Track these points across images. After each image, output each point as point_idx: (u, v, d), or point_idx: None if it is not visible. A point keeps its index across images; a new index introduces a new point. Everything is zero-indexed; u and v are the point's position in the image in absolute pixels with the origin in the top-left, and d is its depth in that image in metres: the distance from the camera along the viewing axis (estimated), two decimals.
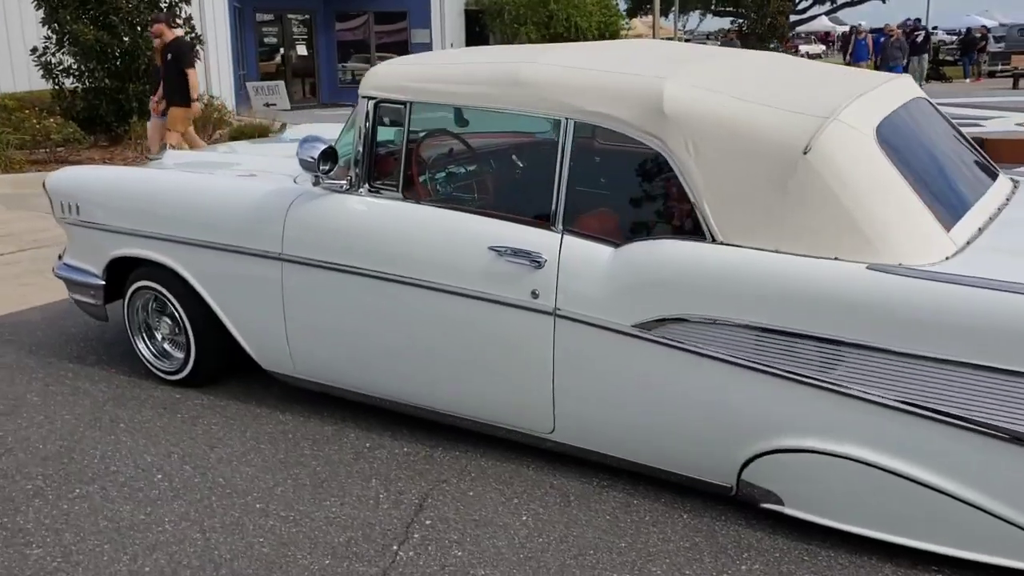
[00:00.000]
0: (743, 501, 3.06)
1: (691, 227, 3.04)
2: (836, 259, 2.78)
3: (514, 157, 3.97)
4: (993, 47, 31.28)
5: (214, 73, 17.71)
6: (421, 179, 3.66)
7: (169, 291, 4.20)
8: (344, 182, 3.66)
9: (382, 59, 26.39)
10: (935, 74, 26.50)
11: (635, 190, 3.34)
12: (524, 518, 3.14)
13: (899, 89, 3.51)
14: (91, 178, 4.57)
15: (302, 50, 25.85)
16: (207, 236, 3.97)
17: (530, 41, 23.64)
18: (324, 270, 3.66)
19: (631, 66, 3.35)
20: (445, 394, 3.55)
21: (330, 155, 3.59)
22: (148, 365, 4.43)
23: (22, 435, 3.88)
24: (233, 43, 20.38)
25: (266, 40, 25.00)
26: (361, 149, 3.63)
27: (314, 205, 3.70)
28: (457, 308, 3.38)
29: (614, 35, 27.02)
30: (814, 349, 2.76)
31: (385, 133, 3.67)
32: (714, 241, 2.96)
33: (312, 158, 3.56)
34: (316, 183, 3.69)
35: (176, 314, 4.23)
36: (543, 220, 3.27)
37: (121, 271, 4.41)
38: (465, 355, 3.43)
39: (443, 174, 3.81)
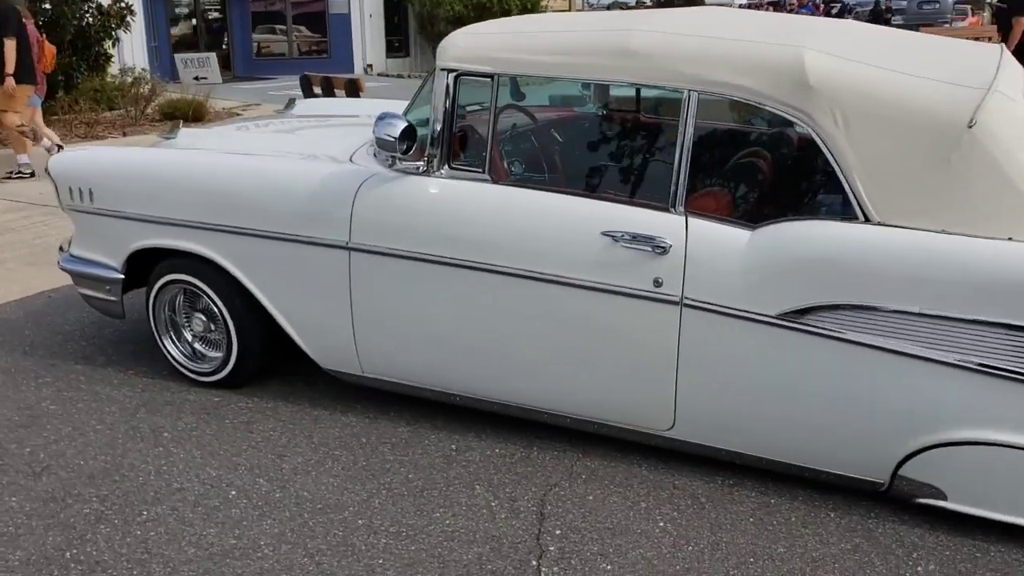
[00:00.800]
0: (894, 497, 2.91)
1: (838, 207, 2.84)
2: (1010, 239, 2.63)
3: (618, 133, 3.70)
4: (895, 20, 32.30)
5: (127, 45, 16.76)
6: (511, 159, 3.38)
7: (208, 285, 3.80)
8: (421, 163, 3.34)
9: (299, 32, 25.53)
10: None
11: (768, 167, 3.12)
12: (662, 524, 2.92)
13: (1006, 56, 3.38)
14: (109, 160, 4.09)
15: (214, 21, 24.77)
16: (258, 224, 3.58)
17: (453, 13, 23.11)
18: (403, 260, 3.33)
19: (748, 33, 3.13)
20: (548, 390, 3.29)
21: (410, 133, 3.26)
22: (178, 367, 4.02)
23: (54, 450, 3.45)
24: (145, 13, 19.33)
25: (178, 10, 23.86)
26: (440, 127, 3.31)
27: (389, 189, 3.37)
28: (565, 299, 3.11)
29: (535, 8, 26.67)
30: (991, 335, 2.61)
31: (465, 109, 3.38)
32: (867, 221, 2.78)
33: (391, 137, 3.23)
34: (391, 164, 3.36)
35: (214, 310, 3.84)
36: (661, 201, 3.03)
37: (142, 264, 4.00)
38: (574, 349, 3.17)
39: (536, 153, 3.51)
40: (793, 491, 3.08)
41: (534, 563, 2.73)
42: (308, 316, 3.65)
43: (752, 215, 2.97)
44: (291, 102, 5.18)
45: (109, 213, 3.94)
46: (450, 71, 3.30)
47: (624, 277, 3.01)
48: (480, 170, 3.30)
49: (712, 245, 2.92)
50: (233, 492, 3.16)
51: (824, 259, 2.78)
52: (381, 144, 3.27)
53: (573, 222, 3.11)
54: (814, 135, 2.83)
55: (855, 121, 2.77)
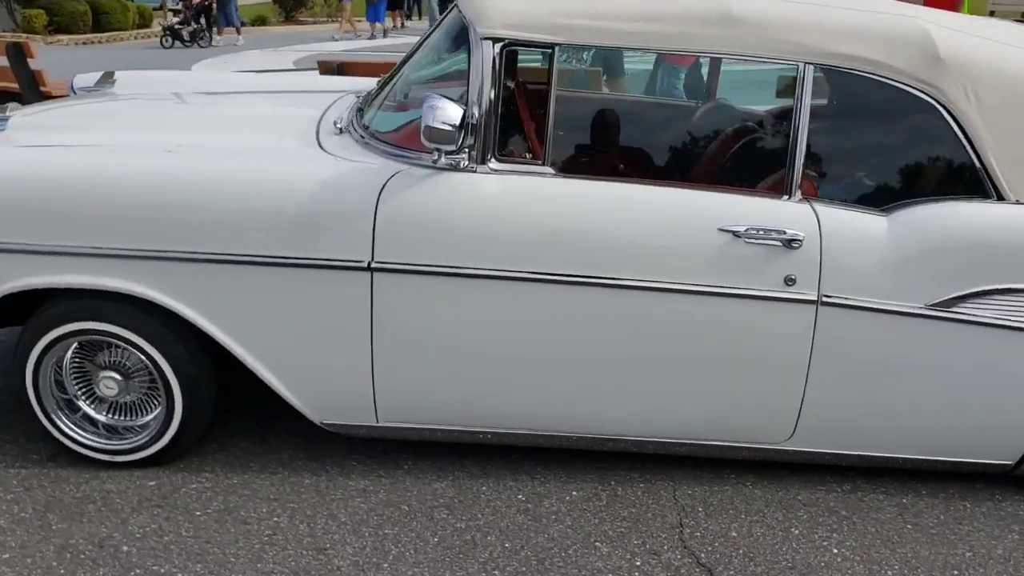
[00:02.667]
0: (1019, 475, 2.88)
1: (967, 187, 2.70)
2: None
3: (705, 112, 3.20)
4: None
5: None
6: (575, 145, 2.80)
7: (136, 332, 2.75)
8: (463, 156, 2.66)
9: None
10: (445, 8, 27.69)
11: (893, 146, 2.87)
12: (833, 550, 2.60)
13: None
14: None
15: None
16: (224, 246, 2.64)
17: None
18: (449, 278, 2.65)
19: (858, 3, 2.84)
20: (641, 415, 2.80)
21: (464, 121, 2.58)
22: (82, 451, 2.91)
23: None
24: None
25: None
26: (483, 110, 2.66)
27: (426, 190, 2.63)
28: (670, 310, 2.66)
29: None
30: None
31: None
32: (1001, 200, 2.66)
33: (451, 126, 2.52)
34: (436, 159, 2.64)
35: (139, 364, 2.82)
36: (775, 189, 2.69)
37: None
38: (678, 367, 2.72)
39: (607, 138, 2.94)
40: (907, 486, 2.94)
41: None
42: (303, 360, 2.78)
43: (875, 199, 2.73)
44: (109, 76, 3.96)
45: None
46: (496, 40, 2.65)
47: (750, 278, 2.63)
48: (538, 161, 2.71)
49: (848, 235, 2.64)
50: None
51: (975, 243, 2.63)
52: (437, 137, 2.53)
53: (679, 218, 2.66)
54: (944, 111, 2.64)
55: (987, 96, 2.63)
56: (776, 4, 2.71)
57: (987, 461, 2.87)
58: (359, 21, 20.54)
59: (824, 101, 2.80)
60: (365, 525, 2.68)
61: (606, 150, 3.06)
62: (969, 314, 2.64)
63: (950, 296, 2.62)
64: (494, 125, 2.67)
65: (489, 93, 2.65)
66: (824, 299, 2.64)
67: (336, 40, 18.87)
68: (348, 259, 2.65)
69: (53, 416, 2.89)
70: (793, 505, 2.83)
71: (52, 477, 2.87)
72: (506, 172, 2.68)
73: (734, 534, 2.68)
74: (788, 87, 2.81)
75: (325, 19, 24.24)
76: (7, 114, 3.16)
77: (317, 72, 5.72)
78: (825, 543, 2.65)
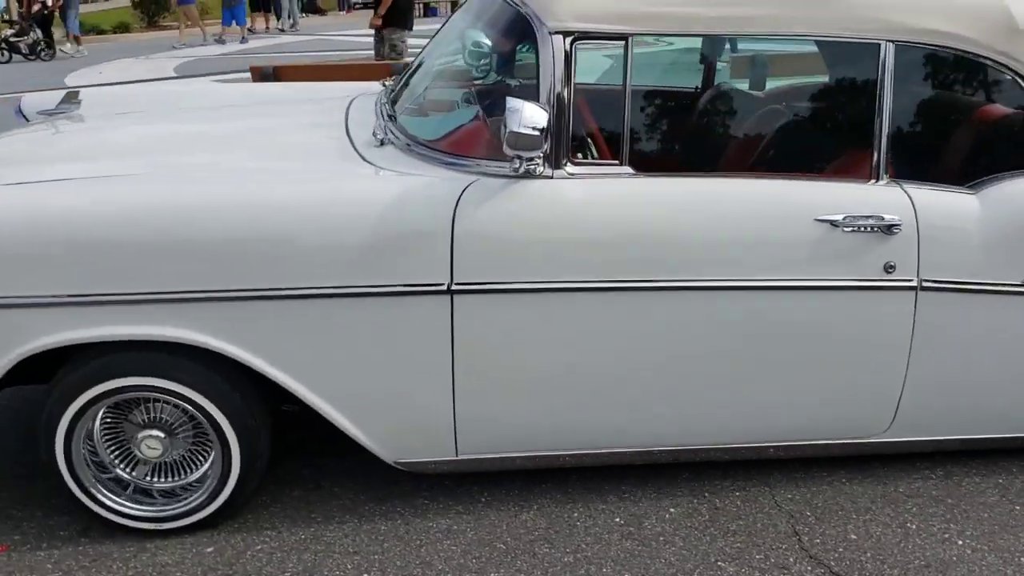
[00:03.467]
0: None
1: None
2: None
3: (778, 98, 3.03)
4: None
5: None
6: (657, 142, 2.62)
7: (187, 384, 2.44)
8: (538, 162, 2.45)
9: None
10: (311, 7, 27.11)
11: (973, 122, 2.79)
12: (972, 544, 2.52)
13: None
14: None
15: None
16: (286, 281, 2.36)
17: None
18: (536, 294, 2.44)
19: None
20: (735, 419, 2.66)
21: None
22: (127, 521, 2.57)
23: None
24: None
25: None
26: (556, 110, 2.45)
27: (507, 201, 2.41)
28: (769, 308, 2.52)
29: None
30: None
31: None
32: None
33: (539, 130, 2.30)
34: (518, 168, 2.41)
35: (188, 419, 2.51)
36: (862, 173, 2.59)
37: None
38: (779, 364, 2.59)
39: (686, 131, 2.75)
40: (998, 465, 2.90)
41: None
42: (377, 398, 2.52)
43: (960, 177, 2.66)
44: (73, 96, 3.54)
45: None
46: (568, 34, 2.45)
47: (850, 268, 2.52)
48: (616, 161, 2.53)
49: (943, 216, 2.56)
50: None
51: None
52: (522, 143, 2.30)
53: (774, 212, 2.52)
54: (1022, 82, 2.60)
55: None
56: None
57: None
58: (211, 24, 19.35)
59: (908, 77, 2.70)
60: (466, 571, 2.45)
61: (678, 144, 2.91)
62: None
63: None
64: (568, 126, 2.47)
65: (563, 91, 2.45)
66: (924, 283, 2.55)
67: (176, 48, 17.28)
68: (425, 283, 2.41)
69: (92, 489, 2.55)
70: (898, 499, 2.74)
71: (92, 555, 2.53)
72: (584, 176, 2.49)
73: (854, 536, 2.57)
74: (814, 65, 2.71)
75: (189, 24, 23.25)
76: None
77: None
78: (946, 535, 2.57)
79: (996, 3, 2.59)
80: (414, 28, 8.43)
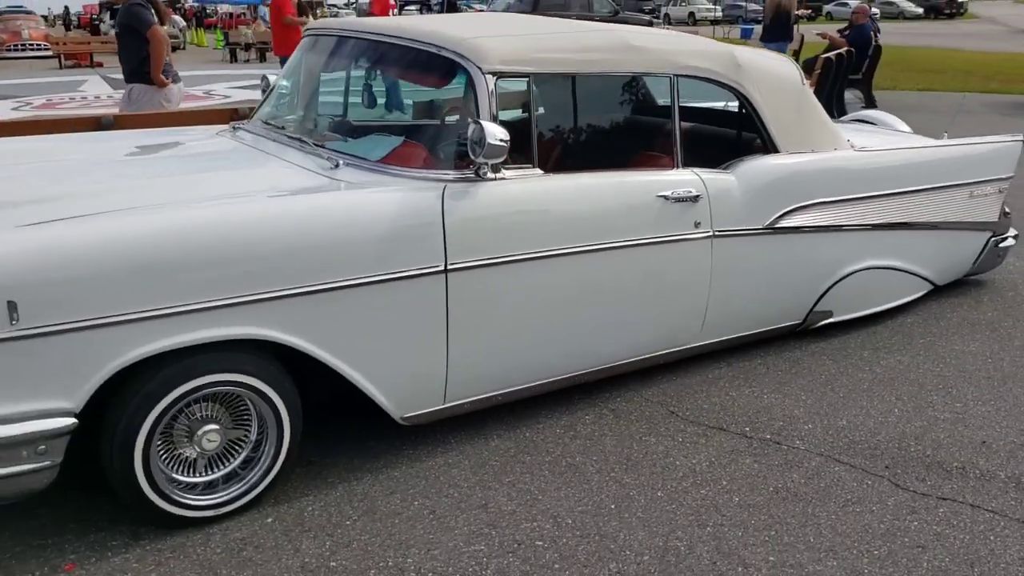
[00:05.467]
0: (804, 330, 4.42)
1: (762, 147, 4.11)
2: None
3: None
4: None
5: None
6: (556, 150, 3.56)
7: (256, 376, 2.87)
8: (486, 167, 3.28)
9: None
10: None
11: (724, 125, 4.10)
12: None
13: None
14: (67, 249, 2.55)
15: None
16: (326, 277, 2.92)
17: None
18: (504, 266, 3.28)
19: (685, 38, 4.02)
20: (618, 344, 3.73)
21: None
22: (194, 512, 2.89)
23: None
24: None
25: None
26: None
27: (478, 200, 3.21)
28: (633, 258, 3.62)
29: None
30: None
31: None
32: (778, 153, 4.13)
33: (504, 141, 3.13)
34: (484, 172, 3.21)
35: (244, 410, 2.94)
36: (671, 164, 3.82)
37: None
38: (639, 299, 3.71)
39: (573, 142, 3.67)
40: (768, 346, 4.32)
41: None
42: (391, 363, 3.15)
43: (716, 162, 3.97)
44: None
45: (54, 329, 2.52)
46: (496, 74, 3.32)
47: (675, 226, 3.70)
48: (530, 164, 3.44)
49: (719, 189, 3.85)
50: None
51: (777, 180, 4.07)
52: (493, 152, 3.12)
53: (632, 193, 3.63)
54: (746, 99, 4.03)
55: (764, 88, 4.08)
56: (652, 35, 3.83)
57: (789, 324, 4.39)
58: None
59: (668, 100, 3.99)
60: (479, 485, 3.20)
61: (569, 151, 3.89)
62: (786, 226, 4.08)
63: (775, 216, 4.04)
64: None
65: (496, 114, 3.32)
66: (716, 232, 3.86)
67: None
68: (428, 267, 3.12)
69: (165, 489, 2.82)
70: (720, 378, 4.03)
71: (169, 546, 2.81)
72: (514, 177, 3.38)
73: (705, 405, 3.79)
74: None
75: None
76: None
77: None
78: (764, 394, 3.92)
79: (728, 49, 4.01)
80: None
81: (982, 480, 3.23)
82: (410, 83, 3.91)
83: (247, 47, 25.83)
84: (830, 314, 4.52)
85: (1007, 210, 5.26)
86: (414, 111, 4.03)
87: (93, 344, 2.60)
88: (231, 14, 38.20)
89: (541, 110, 3.83)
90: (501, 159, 3.21)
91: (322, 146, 3.52)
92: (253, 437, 3.00)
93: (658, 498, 3.11)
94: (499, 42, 3.44)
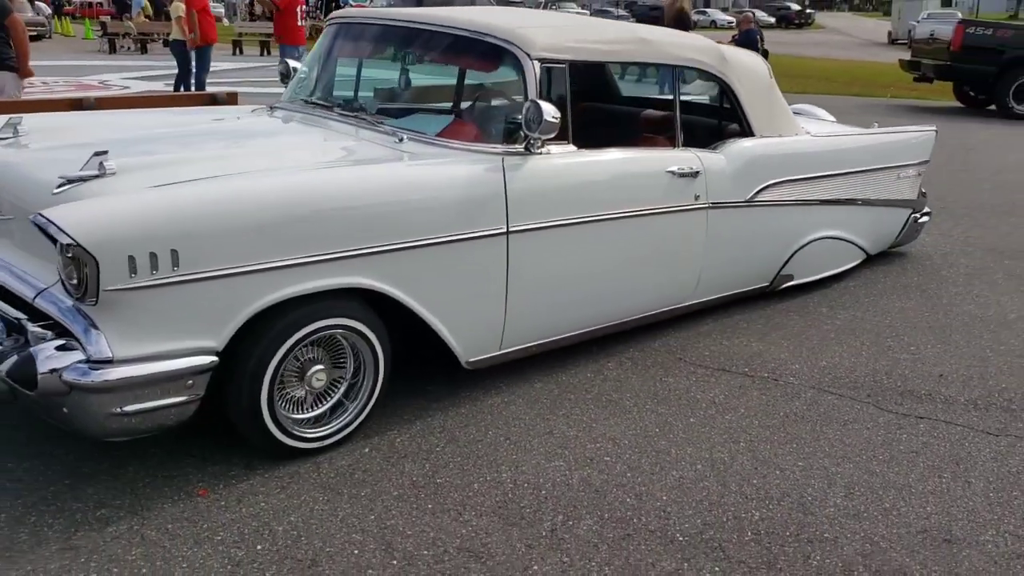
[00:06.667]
0: (772, 291, 5.05)
1: (741, 131, 4.71)
2: None
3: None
4: None
5: None
6: (586, 128, 4.03)
7: (362, 322, 3.28)
8: (539, 142, 3.73)
9: None
10: None
11: (713, 111, 4.66)
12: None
13: None
14: (204, 201, 2.86)
15: None
16: (415, 234, 3.33)
17: None
18: (557, 229, 3.76)
19: (682, 35, 4.56)
20: (640, 298, 4.31)
21: None
22: (307, 444, 3.28)
23: None
24: None
25: None
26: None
27: (533, 171, 3.68)
28: (650, 225, 4.17)
29: None
30: None
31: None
32: (754, 136, 4.75)
33: (556, 118, 3.59)
34: (532, 146, 3.67)
35: (353, 351, 3.35)
36: (672, 143, 4.38)
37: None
38: (653, 261, 4.27)
39: (602, 121, 4.16)
40: (751, 304, 4.92)
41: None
42: (462, 312, 3.58)
43: (705, 143, 4.55)
44: (15, 123, 3.59)
45: (208, 275, 2.86)
46: (542, 60, 3.78)
47: (680, 199, 4.27)
48: (565, 141, 3.92)
49: (713, 166, 4.45)
50: None
51: (755, 160, 4.69)
52: (548, 128, 3.56)
53: (649, 168, 4.18)
54: (730, 88, 4.62)
55: (745, 80, 4.69)
56: (657, 30, 4.38)
57: (760, 286, 5.03)
58: None
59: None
60: (532, 431, 3.67)
61: (597, 129, 4.38)
62: (762, 200, 4.71)
63: (754, 191, 4.66)
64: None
65: (539, 95, 3.79)
66: (711, 204, 4.44)
67: None
68: (494, 229, 3.57)
69: (285, 424, 3.19)
70: (712, 331, 4.61)
71: (285, 475, 3.17)
72: (554, 153, 3.85)
73: (706, 353, 4.37)
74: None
75: None
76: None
77: None
78: (753, 340, 4.52)
79: (715, 45, 4.61)
80: None
81: (947, 403, 3.93)
82: (458, 67, 4.34)
83: (126, 37, 25.24)
84: (792, 277, 5.19)
85: (923, 190, 6.08)
86: (459, 92, 4.46)
87: (237, 289, 2.94)
88: (91, 4, 37.01)
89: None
90: (552, 135, 3.68)
91: (381, 122, 3.91)
92: (348, 376, 3.39)
93: (691, 423, 3.66)
94: (543, 32, 3.92)
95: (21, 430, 3.39)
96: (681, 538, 2.89)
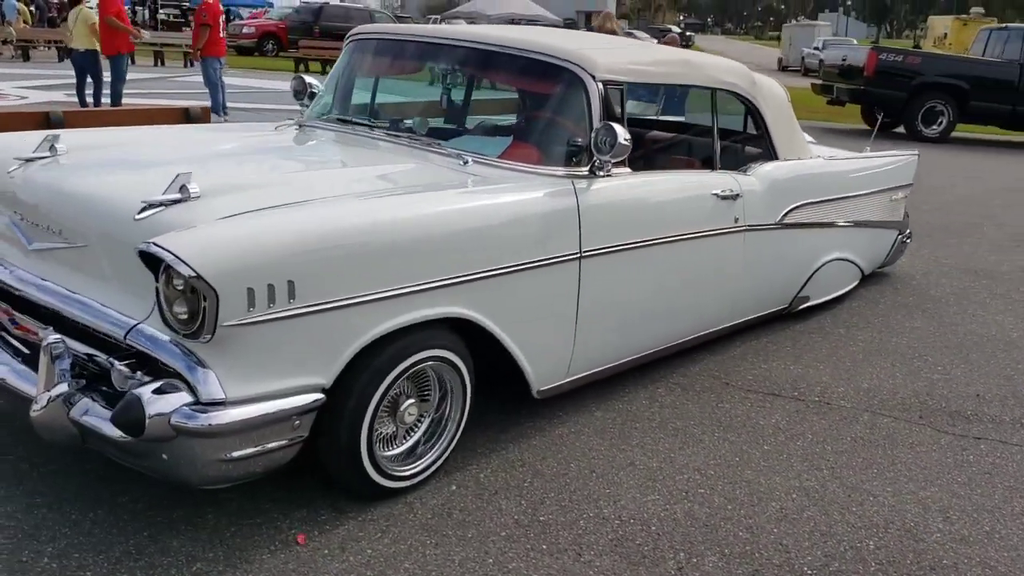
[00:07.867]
0: (789, 312, 5.08)
1: (766, 154, 4.74)
2: None
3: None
4: None
5: None
6: (640, 152, 3.96)
7: (453, 352, 3.13)
8: (608, 165, 3.65)
9: None
10: None
11: (743, 133, 4.67)
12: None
13: None
14: (318, 230, 2.63)
15: None
16: (497, 261, 3.19)
17: None
18: (626, 252, 3.70)
19: (712, 58, 4.54)
20: (695, 317, 4.27)
21: None
22: (403, 483, 3.09)
23: None
24: None
25: None
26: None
27: (602, 194, 3.60)
28: (700, 246, 4.14)
29: None
30: None
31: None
32: (778, 159, 4.79)
33: (628, 141, 3.52)
34: (600, 169, 3.58)
35: (437, 384, 3.17)
36: (711, 166, 4.37)
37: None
38: (703, 280, 4.24)
39: (652, 146, 4.08)
40: (789, 321, 4.93)
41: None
42: (539, 339, 3.46)
43: (735, 165, 4.55)
44: (53, 139, 3.27)
45: (324, 307, 2.66)
46: (605, 82, 3.71)
47: (723, 221, 4.26)
48: (623, 163, 3.85)
49: (748, 189, 4.44)
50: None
51: (782, 182, 4.72)
52: (620, 151, 3.49)
53: (697, 191, 4.14)
54: (758, 111, 4.65)
55: (770, 103, 4.72)
56: (697, 54, 4.36)
57: (780, 307, 5.06)
58: None
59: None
60: (611, 447, 3.58)
61: (650, 153, 4.32)
62: (789, 222, 4.74)
63: (783, 213, 4.70)
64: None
65: (603, 118, 3.71)
66: (748, 226, 4.45)
67: None
68: (568, 253, 3.47)
69: (387, 469, 3.01)
70: (758, 350, 4.60)
71: (381, 515, 2.98)
72: (615, 175, 3.78)
73: (750, 376, 4.35)
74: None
75: None
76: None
77: None
78: (791, 361, 4.52)
79: (746, 70, 4.63)
80: None
81: (996, 423, 4.03)
82: (517, 88, 4.22)
83: (7, 44, 23.92)
84: (808, 299, 5.26)
85: (906, 212, 6.27)
86: (515, 113, 4.33)
87: (350, 321, 2.76)
88: None
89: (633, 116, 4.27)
90: (624, 157, 3.61)
91: (438, 144, 3.76)
92: (432, 409, 3.22)
93: (767, 451, 3.63)
94: (603, 54, 3.84)
95: (72, 477, 3.10)
96: (809, 571, 2.85)
